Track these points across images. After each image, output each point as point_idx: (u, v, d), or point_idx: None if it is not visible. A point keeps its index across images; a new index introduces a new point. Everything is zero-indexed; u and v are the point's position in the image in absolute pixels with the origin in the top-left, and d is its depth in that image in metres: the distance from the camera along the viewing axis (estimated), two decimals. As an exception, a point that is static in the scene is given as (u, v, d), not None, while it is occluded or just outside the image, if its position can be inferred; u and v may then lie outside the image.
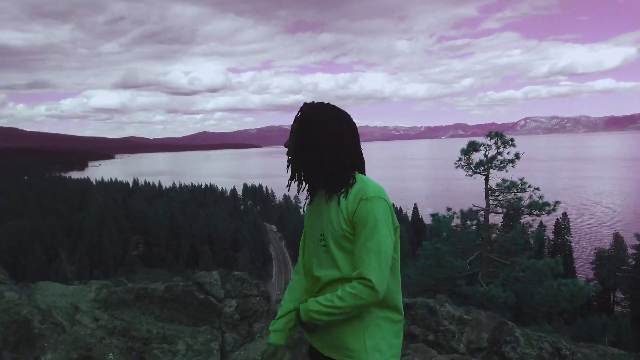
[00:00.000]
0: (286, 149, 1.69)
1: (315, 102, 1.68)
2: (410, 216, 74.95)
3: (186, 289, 4.23)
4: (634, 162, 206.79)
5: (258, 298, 3.97)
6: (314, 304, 1.56)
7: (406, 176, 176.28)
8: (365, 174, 1.71)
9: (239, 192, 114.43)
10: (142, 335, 4.02)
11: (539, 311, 15.37)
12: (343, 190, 1.62)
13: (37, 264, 59.33)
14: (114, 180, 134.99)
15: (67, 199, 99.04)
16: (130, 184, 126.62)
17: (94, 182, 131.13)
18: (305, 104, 1.69)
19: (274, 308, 3.89)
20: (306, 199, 1.76)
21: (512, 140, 14.86)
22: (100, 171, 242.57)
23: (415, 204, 76.39)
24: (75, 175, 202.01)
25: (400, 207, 79.64)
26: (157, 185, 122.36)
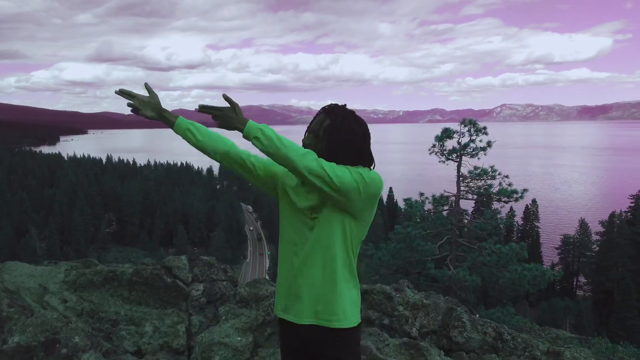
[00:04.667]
0: (303, 143, 1.77)
1: (341, 107, 1.77)
2: (385, 200, 75.83)
3: (154, 273, 4.30)
4: (603, 152, 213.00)
5: (225, 282, 4.08)
6: (259, 132, 1.65)
7: (384, 160, 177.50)
8: None
9: (215, 171, 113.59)
10: (110, 317, 4.09)
11: (504, 294, 15.97)
12: None
13: (6, 240, 58.02)
14: (86, 156, 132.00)
15: (37, 174, 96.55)
16: (104, 161, 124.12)
17: (66, 158, 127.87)
18: (334, 110, 1.75)
19: (240, 292, 4.01)
20: None
21: (484, 128, 15.16)
22: (72, 146, 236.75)
23: (390, 188, 77.25)
24: (46, 150, 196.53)
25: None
26: (131, 162, 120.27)
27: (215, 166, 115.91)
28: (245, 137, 1.70)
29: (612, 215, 51.95)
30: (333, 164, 1.66)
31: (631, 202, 51.24)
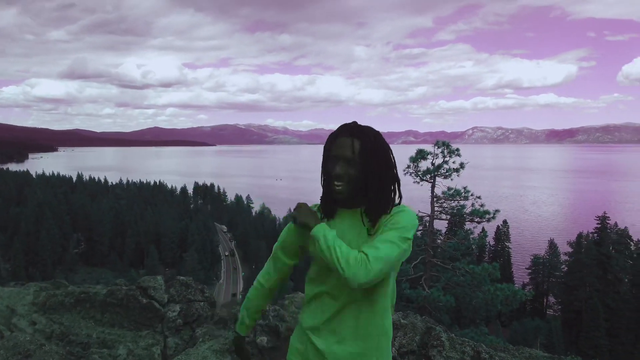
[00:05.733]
0: (335, 175, 1.60)
1: (366, 127, 1.65)
2: (360, 219, 76.12)
3: (129, 293, 4.22)
4: (570, 174, 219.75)
5: (202, 303, 4.03)
6: (331, 233, 1.55)
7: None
8: None
9: (190, 190, 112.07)
10: (81, 340, 3.98)
11: (478, 314, 16.15)
12: (381, 216, 1.63)
13: (-33, 261, 55.49)
14: (56, 174, 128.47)
15: (3, 192, 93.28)
16: (74, 179, 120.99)
17: (34, 176, 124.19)
18: (362, 130, 1.63)
19: (219, 313, 3.96)
20: (325, 216, 1.70)
21: (457, 149, 15.53)
22: (41, 164, 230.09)
23: (365, 208, 77.59)
24: (13, 167, 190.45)
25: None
26: (102, 180, 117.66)
27: (190, 185, 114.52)
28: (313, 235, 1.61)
29: (580, 235, 53.40)
30: (384, 257, 1.49)
31: (597, 224, 52.85)
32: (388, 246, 1.50)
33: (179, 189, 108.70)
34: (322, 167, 1.69)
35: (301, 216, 1.66)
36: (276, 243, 1.86)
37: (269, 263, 1.88)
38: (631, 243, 49.81)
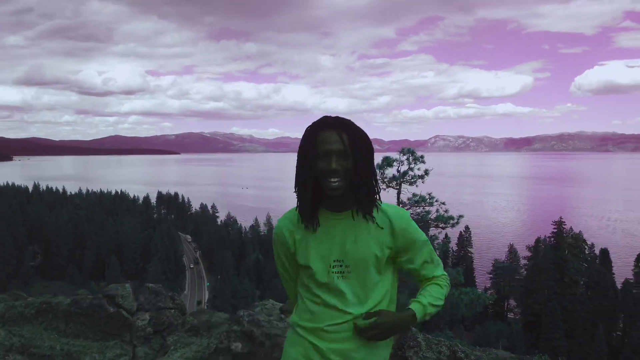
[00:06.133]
0: (330, 171, 1.52)
1: (345, 119, 1.60)
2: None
3: (95, 302, 4.10)
4: (527, 181, 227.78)
5: (173, 311, 3.94)
6: (430, 307, 1.61)
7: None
8: None
9: (153, 200, 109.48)
10: (44, 352, 3.84)
11: (443, 319, 16.44)
12: (373, 209, 1.61)
13: None
14: (10, 184, 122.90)
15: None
16: (30, 189, 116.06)
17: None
18: (347, 121, 1.58)
19: (190, 320, 3.88)
20: (308, 224, 1.61)
21: (422, 157, 15.88)
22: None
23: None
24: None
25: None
26: (60, 190, 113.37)
27: (153, 194, 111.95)
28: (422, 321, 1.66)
29: (538, 240, 55.33)
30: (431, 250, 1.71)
31: (554, 228, 54.90)
32: (434, 255, 1.71)
33: (141, 199, 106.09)
34: (304, 168, 1.57)
35: (389, 330, 1.59)
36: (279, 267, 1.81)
37: (286, 284, 1.84)
38: (585, 247, 51.93)
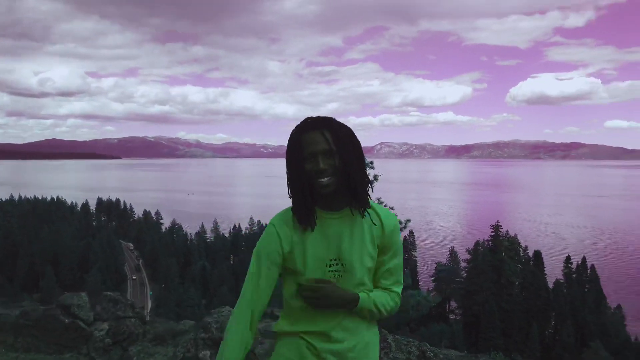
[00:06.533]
0: (319, 171, 1.55)
1: (327, 117, 1.63)
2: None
3: (48, 313, 3.98)
4: (467, 186, 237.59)
5: (133, 320, 3.87)
6: (373, 305, 1.64)
7: (273, 193, 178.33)
8: None
9: (92, 206, 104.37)
10: (-7, 368, 3.70)
11: (390, 321, 16.88)
12: (367, 207, 1.64)
13: None
14: None
15: None
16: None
17: None
18: (327, 122, 1.61)
19: (154, 328, 3.85)
20: (305, 225, 1.61)
21: (372, 162, 16.28)
22: None
23: (280, 222, 77.52)
24: None
25: (266, 224, 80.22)
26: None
27: (92, 200, 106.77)
28: (359, 310, 1.64)
29: (477, 243, 57.77)
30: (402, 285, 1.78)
31: (491, 232, 57.56)
32: (401, 274, 1.77)
33: (79, 205, 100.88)
34: (294, 172, 1.60)
35: (329, 299, 1.61)
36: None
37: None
38: (520, 249, 54.67)
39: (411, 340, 3.42)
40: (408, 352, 3.22)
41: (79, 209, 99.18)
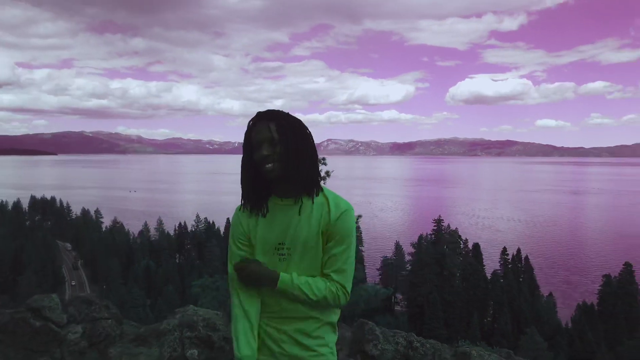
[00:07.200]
0: (262, 157, 1.69)
1: (276, 110, 1.77)
2: (222, 230, 74.86)
3: (16, 317, 3.86)
4: (410, 182, 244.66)
5: (109, 321, 3.82)
6: (296, 288, 1.68)
7: (219, 190, 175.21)
8: None
9: (25, 205, 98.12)
10: (-45, 378, 3.57)
11: (341, 314, 17.28)
12: (315, 194, 1.74)
13: None
14: None
15: None
16: None
17: None
18: (273, 114, 1.74)
19: (126, 330, 3.78)
20: (254, 210, 1.78)
21: (324, 159, 16.47)
22: None
23: (228, 219, 76.53)
24: None
25: (212, 222, 78.85)
26: None
27: (25, 200, 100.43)
28: (281, 291, 1.71)
29: (420, 237, 59.84)
30: (351, 275, 1.76)
31: (434, 226, 59.77)
32: (350, 263, 1.74)
33: (10, 204, 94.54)
34: (244, 161, 1.76)
35: (251, 277, 1.73)
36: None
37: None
38: (461, 242, 57.22)
39: (398, 331, 3.52)
40: (396, 342, 3.30)
41: (10, 208, 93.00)
